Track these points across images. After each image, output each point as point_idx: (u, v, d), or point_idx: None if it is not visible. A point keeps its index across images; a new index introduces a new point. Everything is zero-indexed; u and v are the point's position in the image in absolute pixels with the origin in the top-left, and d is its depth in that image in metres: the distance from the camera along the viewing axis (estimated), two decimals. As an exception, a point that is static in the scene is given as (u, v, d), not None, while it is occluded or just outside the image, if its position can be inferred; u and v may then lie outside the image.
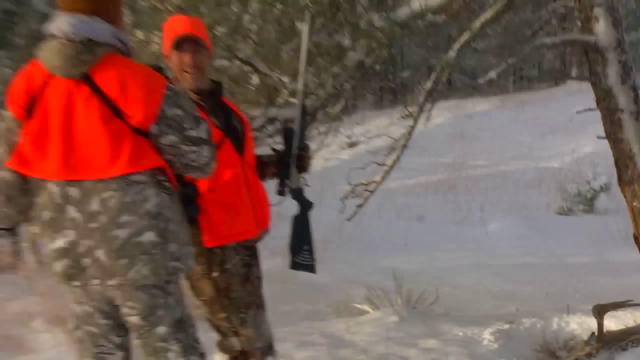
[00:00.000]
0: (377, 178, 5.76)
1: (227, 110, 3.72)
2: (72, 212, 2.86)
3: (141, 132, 2.85)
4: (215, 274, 3.57)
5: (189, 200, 3.38)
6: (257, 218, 3.69)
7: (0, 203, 3.13)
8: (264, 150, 4.26)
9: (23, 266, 3.54)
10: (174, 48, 3.47)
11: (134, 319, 3.03)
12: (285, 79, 5.74)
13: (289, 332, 5.66)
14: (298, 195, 3.85)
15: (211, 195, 3.49)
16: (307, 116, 4.27)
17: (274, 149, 3.98)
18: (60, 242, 2.92)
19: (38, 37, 2.91)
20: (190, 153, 2.93)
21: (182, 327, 3.11)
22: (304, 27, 4.01)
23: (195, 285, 3.65)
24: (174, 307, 3.07)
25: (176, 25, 3.55)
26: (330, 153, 5.72)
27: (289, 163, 3.81)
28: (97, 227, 2.83)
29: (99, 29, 2.83)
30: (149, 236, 2.86)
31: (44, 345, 5.39)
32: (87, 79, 2.79)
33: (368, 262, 8.93)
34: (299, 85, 3.94)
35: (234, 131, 3.66)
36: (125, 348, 3.25)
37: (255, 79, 5.92)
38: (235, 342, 3.70)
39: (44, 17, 8.12)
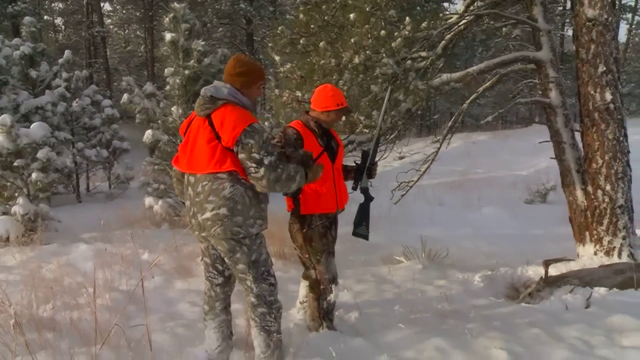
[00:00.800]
0: (415, 178, 6.27)
1: (329, 135, 4.08)
2: (190, 190, 3.34)
3: (229, 149, 3.18)
4: (304, 230, 3.99)
5: None
6: (337, 201, 4.03)
7: (175, 183, 3.72)
8: (348, 161, 4.53)
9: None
10: (337, 111, 3.94)
11: (225, 258, 3.39)
12: (362, 118, 5.99)
13: (351, 273, 6.05)
14: (365, 191, 4.22)
15: (308, 185, 3.79)
16: (378, 145, 4.41)
17: (355, 162, 4.31)
18: (186, 207, 3.44)
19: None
20: (251, 168, 3.15)
21: (256, 265, 3.35)
22: (386, 95, 4.42)
23: (294, 236, 4.08)
24: (248, 253, 3.31)
25: (340, 98, 3.95)
26: (387, 162, 5.95)
27: (363, 172, 4.20)
28: (198, 200, 3.27)
29: (221, 90, 3.28)
30: (223, 210, 3.19)
31: (202, 272, 5.38)
32: (208, 117, 3.25)
33: (405, 231, 9.05)
34: (378, 127, 4.31)
35: (330, 148, 4.03)
36: (225, 276, 3.60)
37: (343, 117, 5.67)
38: (312, 273, 4.08)
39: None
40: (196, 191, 3.29)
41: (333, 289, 4.08)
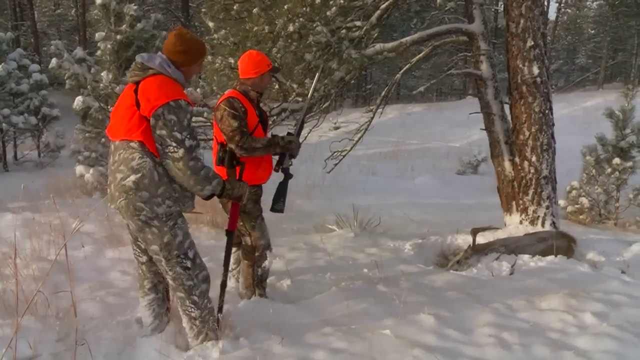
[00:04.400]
0: (348, 148, 6.36)
1: (260, 107, 4.13)
2: (111, 158, 3.18)
3: (146, 119, 3.01)
4: None
5: (232, 158, 3.78)
6: (269, 172, 4.14)
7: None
8: (279, 130, 4.56)
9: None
10: (269, 71, 3.99)
11: (138, 237, 3.27)
12: (295, 86, 6.01)
13: (284, 241, 6.07)
14: (286, 171, 4.20)
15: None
16: (302, 128, 4.37)
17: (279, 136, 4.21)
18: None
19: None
20: (170, 146, 2.96)
21: (168, 248, 3.16)
22: (316, 76, 4.43)
23: (226, 205, 3.99)
24: (159, 235, 3.12)
25: (267, 59, 4.00)
26: (322, 132, 5.92)
27: (287, 152, 4.12)
28: (113, 169, 3.12)
29: (154, 60, 3.13)
30: (129, 182, 3.03)
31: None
32: (137, 84, 3.11)
33: (338, 199, 9.14)
34: (303, 111, 4.36)
35: (263, 118, 4.08)
36: (148, 255, 3.38)
37: (276, 85, 6.15)
38: (247, 240, 4.11)
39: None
40: (114, 159, 3.14)
41: (267, 255, 4.11)
